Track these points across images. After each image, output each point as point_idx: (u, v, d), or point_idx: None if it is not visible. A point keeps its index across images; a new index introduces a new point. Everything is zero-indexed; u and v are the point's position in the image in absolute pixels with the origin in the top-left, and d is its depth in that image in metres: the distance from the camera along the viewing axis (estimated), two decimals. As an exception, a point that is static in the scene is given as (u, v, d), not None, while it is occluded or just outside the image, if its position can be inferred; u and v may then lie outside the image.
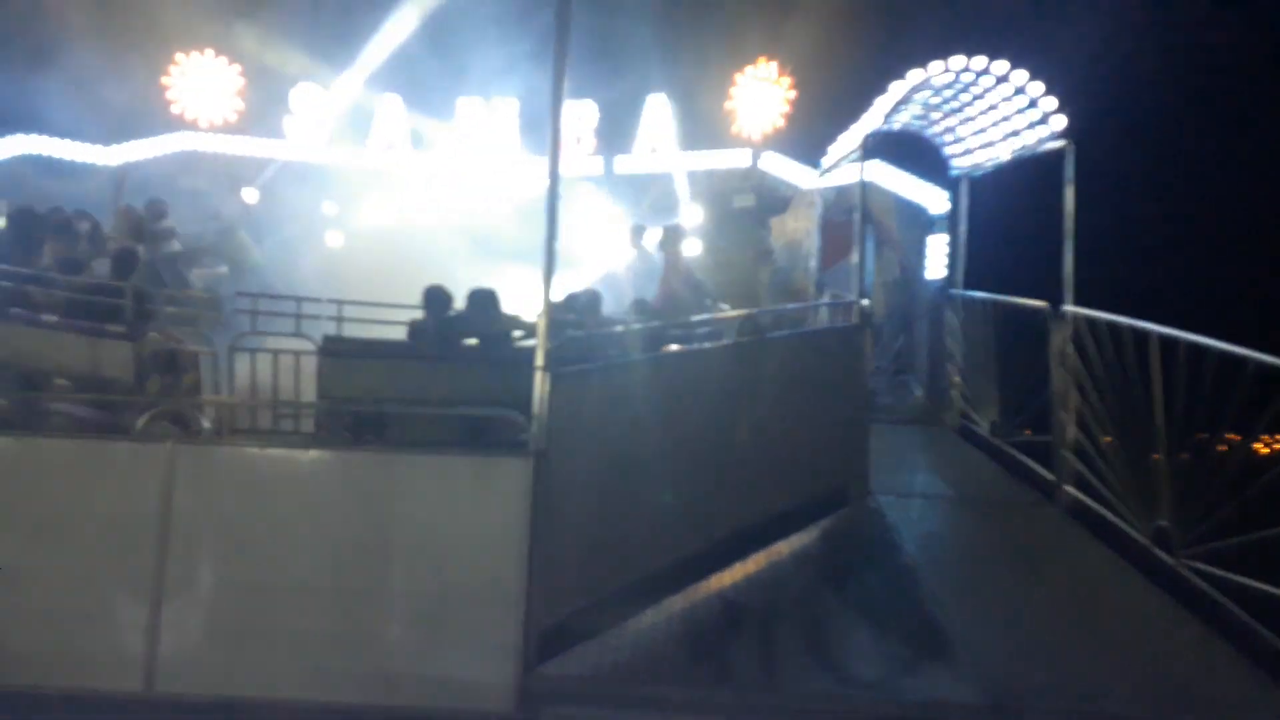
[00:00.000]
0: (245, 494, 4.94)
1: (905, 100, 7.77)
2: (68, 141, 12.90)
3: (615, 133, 13.04)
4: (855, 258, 7.76)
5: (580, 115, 12.76)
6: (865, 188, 7.84)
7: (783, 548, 6.36)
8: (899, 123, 8.55)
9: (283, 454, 5.14)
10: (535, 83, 12.10)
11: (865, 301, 7.40)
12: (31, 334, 7.72)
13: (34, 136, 12.60)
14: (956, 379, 9.78)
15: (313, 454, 5.14)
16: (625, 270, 10.92)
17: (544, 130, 12.45)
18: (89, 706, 4.68)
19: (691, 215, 12.56)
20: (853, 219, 8.15)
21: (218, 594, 4.84)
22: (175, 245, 10.68)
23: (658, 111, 13.11)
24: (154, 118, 13.68)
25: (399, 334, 8.02)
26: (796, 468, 6.59)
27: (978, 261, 9.77)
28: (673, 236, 9.67)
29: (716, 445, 6.04)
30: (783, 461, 6.46)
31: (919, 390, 10.72)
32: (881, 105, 7.67)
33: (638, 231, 11.25)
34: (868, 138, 7.87)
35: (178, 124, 13.77)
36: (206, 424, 5.42)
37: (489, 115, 13.70)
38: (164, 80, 13.78)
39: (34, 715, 4.64)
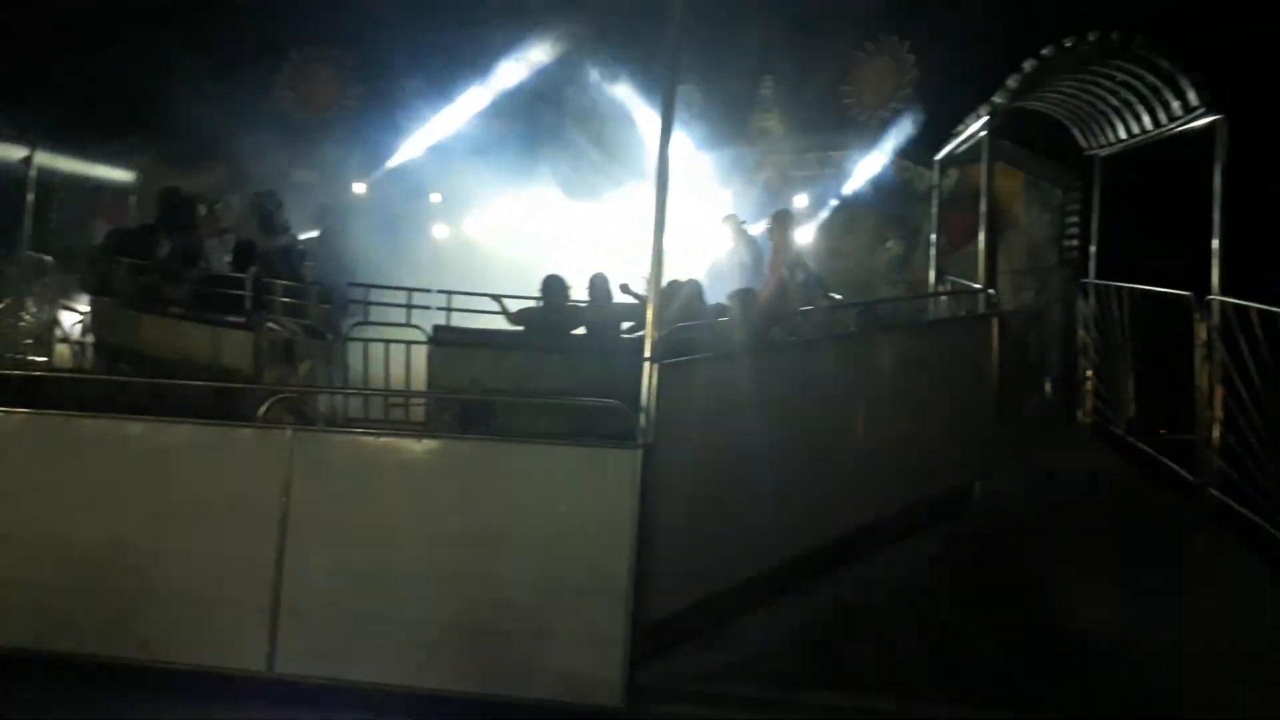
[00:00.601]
0: (359, 481, 4.98)
1: (1036, 77, 7.33)
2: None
3: (724, 118, 12.80)
4: (980, 244, 7.36)
5: (688, 101, 12.58)
6: (991, 170, 7.43)
7: (902, 549, 6.10)
8: (1028, 101, 8.09)
9: (396, 442, 5.16)
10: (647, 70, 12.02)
11: (993, 291, 7.02)
12: (160, 324, 8.07)
13: (161, 140, 13.19)
14: (1090, 373, 9.23)
15: (425, 443, 5.15)
16: (730, 259, 10.70)
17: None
18: (215, 684, 4.80)
19: (802, 201, 12.23)
20: (977, 203, 7.73)
21: (333, 579, 4.90)
22: (289, 237, 11.01)
23: (769, 96, 12.81)
24: (268, 114, 14.13)
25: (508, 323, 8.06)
26: (917, 466, 6.31)
27: (1113, 247, 9.18)
28: (780, 222, 9.40)
29: (831, 441, 5.83)
30: (902, 459, 6.18)
31: (1049, 385, 10.19)
32: (1010, 83, 7.25)
33: (734, 219, 11.01)
34: (993, 117, 7.45)
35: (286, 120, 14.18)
36: (323, 411, 5.49)
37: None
38: (275, 76, 14.21)
39: (166, 692, 4.78)
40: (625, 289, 8.15)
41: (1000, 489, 7.00)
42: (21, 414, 5.36)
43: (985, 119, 7.49)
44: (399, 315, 9.00)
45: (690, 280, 7.98)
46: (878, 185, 12.11)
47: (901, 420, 6.20)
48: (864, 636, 5.13)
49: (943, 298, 8.60)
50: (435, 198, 13.53)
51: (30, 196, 10.20)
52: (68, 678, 4.84)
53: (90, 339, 8.79)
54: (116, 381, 7.29)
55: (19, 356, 9.64)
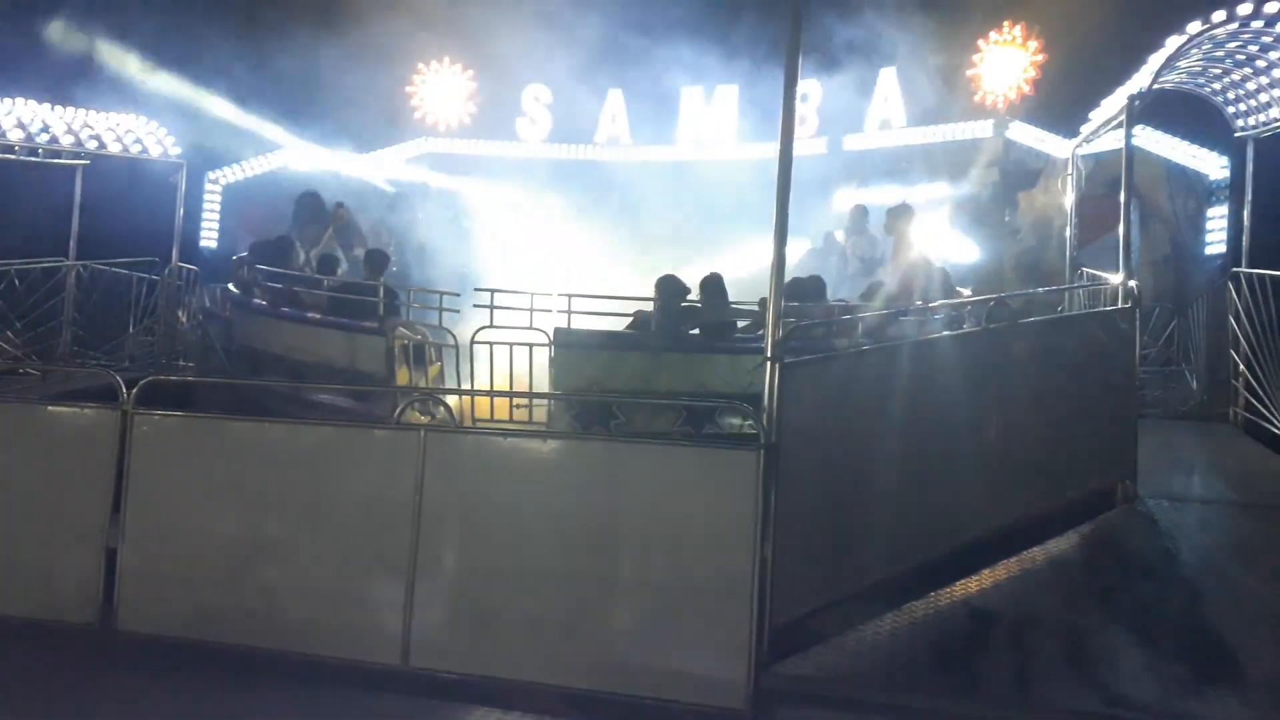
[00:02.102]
0: (487, 480, 5.11)
1: (1181, 56, 6.90)
2: (326, 150, 14.09)
3: (842, 110, 12.55)
4: (1119, 234, 6.98)
5: (804, 94, 12.39)
6: (1131, 155, 7.03)
7: (1038, 554, 5.81)
8: (1172, 82, 7.62)
9: (522, 442, 5.27)
10: (758, 67, 11.90)
11: (1133, 283, 6.64)
12: (299, 330, 8.47)
13: (300, 149, 13.84)
14: (1241, 369, 8.63)
15: (550, 443, 5.25)
16: (848, 254, 10.49)
17: (765, 115, 12.22)
18: (354, 676, 5.00)
19: (924, 193, 11.87)
20: (1114, 191, 7.34)
21: (464, 576, 5.04)
22: (357, 251, 11.39)
23: (889, 86, 12.49)
24: (401, 125, 14.65)
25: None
26: (1053, 467, 6.02)
27: (1267, 235, 8.55)
28: (902, 216, 9.15)
29: (962, 441, 5.63)
30: (1038, 460, 5.92)
31: (1194, 381, 9.57)
32: (1153, 63, 6.85)
33: (861, 213, 10.78)
34: (1134, 99, 7.06)
35: (420, 129, 14.66)
36: (453, 413, 5.65)
37: (709, 104, 13.61)
38: (408, 89, 14.71)
39: (309, 681, 5.02)
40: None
41: (1143, 491, 6.61)
42: (176, 417, 5.71)
43: (1125, 102, 7.10)
44: (522, 318, 9.18)
45: (813, 276, 7.87)
46: (1006, 174, 11.64)
47: (1036, 419, 5.94)
48: (998, 645, 4.93)
49: (1079, 290, 8.20)
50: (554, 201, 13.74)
51: (180, 210, 10.85)
52: (216, 666, 5.12)
53: (235, 344, 9.29)
54: (260, 385, 7.70)
55: (173, 362, 10.30)
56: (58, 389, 8.54)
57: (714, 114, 13.57)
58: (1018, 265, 10.37)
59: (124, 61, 11.83)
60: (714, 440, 5.05)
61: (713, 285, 7.95)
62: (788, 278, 6.64)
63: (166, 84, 12.00)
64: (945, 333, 6.77)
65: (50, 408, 6.11)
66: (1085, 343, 6.52)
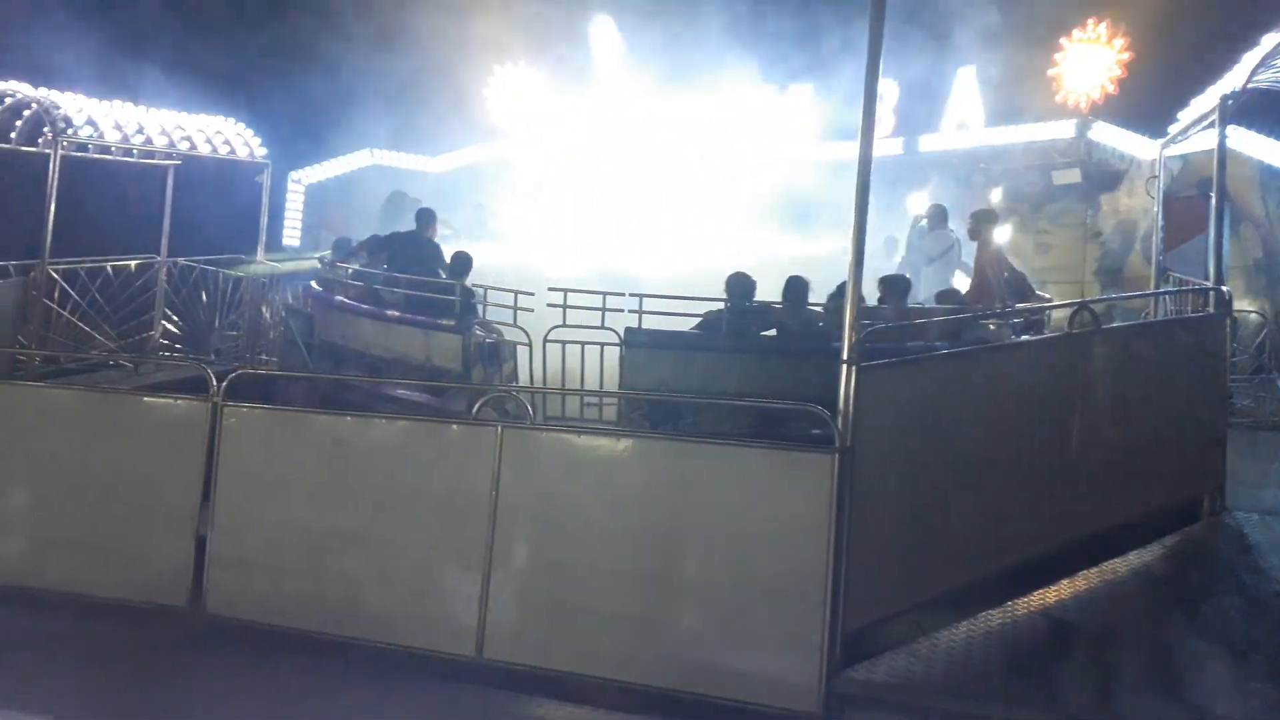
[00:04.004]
0: (562, 477, 5.17)
1: (1278, 54, 6.65)
2: (403, 154, 14.42)
3: (919, 110, 12.37)
4: (1209, 237, 6.76)
5: (880, 94, 12.22)
6: (1224, 156, 6.80)
7: (1120, 566, 5.69)
8: (1267, 80, 7.34)
9: (596, 440, 5.32)
10: (834, 66, 11.80)
11: (1224, 288, 6.43)
12: (378, 327, 8.68)
13: (377, 151, 14.19)
14: (1338, 378, 8.30)
15: (623, 441, 5.29)
16: (924, 256, 10.32)
17: (841, 115, 12.09)
18: (430, 666, 5.11)
19: (1005, 195, 11.64)
20: (1203, 193, 7.11)
21: (538, 570, 5.11)
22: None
23: (967, 85, 12.26)
24: (473, 127, 14.89)
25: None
26: (1138, 477, 5.87)
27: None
28: (983, 221, 8.98)
29: (1042, 449, 5.52)
30: (1121, 469, 5.77)
31: (1288, 389, 9.22)
32: (1248, 61, 6.62)
33: (939, 215, 10.59)
34: (1227, 99, 6.83)
35: (493, 132, 14.88)
36: (527, 409, 5.73)
37: (784, 103, 13.53)
38: (484, 91, 14.93)
39: (386, 670, 5.14)
40: None
41: (1232, 503, 6.40)
42: (263, 409, 5.89)
43: (1217, 101, 6.88)
44: (594, 318, 9.25)
45: (900, 275, 7.75)
46: (1088, 176, 11.35)
47: (1119, 428, 5.79)
48: (1078, 656, 4.83)
49: (1165, 296, 7.96)
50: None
51: (265, 209, 11.20)
52: (297, 651, 5.28)
53: (316, 340, 9.56)
54: (340, 380, 7.91)
55: (256, 357, 10.64)
56: (150, 381, 8.88)
57: (788, 112, 13.50)
58: (1100, 269, 10.11)
59: (215, 66, 12.25)
60: (788, 442, 5.00)
61: (796, 288, 7.89)
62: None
63: (253, 87, 12.39)
64: (1025, 338, 6.65)
65: (145, 399, 6.37)
66: (1172, 350, 6.34)
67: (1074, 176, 11.40)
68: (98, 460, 5.95)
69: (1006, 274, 8.23)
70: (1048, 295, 8.51)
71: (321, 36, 14.00)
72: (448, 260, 9.12)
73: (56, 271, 9.94)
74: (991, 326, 7.05)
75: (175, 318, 11.14)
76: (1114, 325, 6.46)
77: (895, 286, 7.49)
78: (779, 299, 7.76)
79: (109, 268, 10.55)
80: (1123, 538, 5.79)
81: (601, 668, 4.87)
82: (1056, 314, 7.05)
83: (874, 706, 4.56)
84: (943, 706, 4.51)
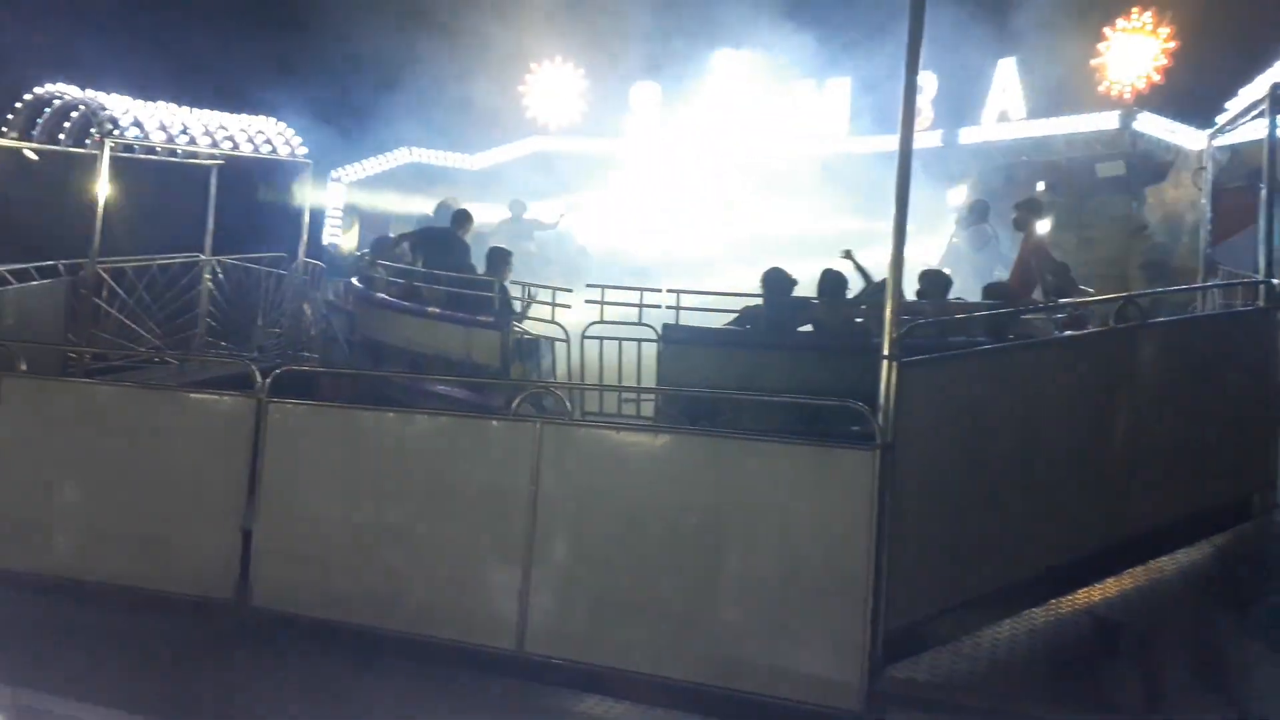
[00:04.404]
0: (602, 472, 5.20)
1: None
2: (441, 151, 14.50)
3: (958, 102, 12.20)
4: (1259, 229, 6.62)
5: (919, 86, 12.06)
6: (1275, 146, 6.65)
7: (1167, 564, 5.59)
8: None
9: (635, 436, 5.35)
10: (871, 60, 11.68)
11: (1275, 281, 6.29)
12: (420, 323, 8.77)
13: (415, 149, 14.29)
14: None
15: (661, 437, 5.30)
16: (963, 250, 10.21)
17: (877, 109, 11.96)
18: (470, 659, 5.16)
19: (1047, 188, 11.45)
20: (1253, 184, 6.96)
21: (578, 565, 5.14)
22: (532, 246, 11.63)
23: (1007, 77, 12.07)
24: (511, 124, 14.93)
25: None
26: (1185, 475, 5.77)
27: None
28: (1029, 213, 8.86)
29: (1087, 446, 5.45)
30: (1168, 467, 5.68)
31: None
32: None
33: (980, 208, 10.46)
34: (1277, 88, 6.67)
35: (530, 128, 14.91)
36: (566, 405, 5.76)
37: (821, 97, 13.42)
38: (520, 88, 14.97)
39: (427, 663, 5.20)
40: (848, 255, 7.95)
41: (1283, 502, 6.28)
42: (306, 405, 5.98)
43: (1267, 90, 6.72)
44: (631, 314, 9.27)
45: (939, 270, 7.69)
46: (1133, 168, 11.13)
47: (1166, 424, 5.70)
48: (1125, 657, 4.78)
49: (1214, 290, 7.80)
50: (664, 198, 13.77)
51: (306, 207, 11.35)
52: (341, 644, 5.36)
53: (357, 336, 9.67)
54: (380, 376, 8.00)
55: (299, 353, 10.78)
56: (195, 377, 9.04)
57: (826, 106, 13.39)
58: (1145, 263, 9.91)
59: (254, 65, 12.42)
60: (828, 439, 4.98)
61: (831, 283, 7.85)
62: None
63: (294, 87, 12.56)
64: (1069, 333, 6.56)
65: (192, 395, 6.50)
66: (1221, 345, 6.23)
67: (1118, 169, 11.17)
68: (146, 455, 6.07)
69: (1050, 266, 8.13)
70: (1091, 290, 8.37)
71: (358, 34, 14.16)
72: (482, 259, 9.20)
73: (104, 270, 10.15)
74: (1035, 321, 6.96)
75: (219, 315, 11.32)
76: (1160, 320, 6.33)
77: (935, 282, 7.43)
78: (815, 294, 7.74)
79: (155, 266, 10.75)
80: (1170, 536, 5.69)
81: (641, 663, 4.89)
82: (1101, 309, 6.92)
83: (916, 706, 4.53)
84: (985, 706, 4.48)
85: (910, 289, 7.18)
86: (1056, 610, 5.13)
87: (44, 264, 10.16)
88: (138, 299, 10.51)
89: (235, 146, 10.89)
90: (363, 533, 5.56)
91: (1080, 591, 5.29)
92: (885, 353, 4.77)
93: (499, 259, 8.94)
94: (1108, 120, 11.39)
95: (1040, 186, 11.40)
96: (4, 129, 10.53)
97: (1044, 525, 5.22)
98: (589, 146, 14.50)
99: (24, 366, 6.47)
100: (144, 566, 5.88)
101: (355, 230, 13.92)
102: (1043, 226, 8.92)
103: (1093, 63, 11.80)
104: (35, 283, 10.07)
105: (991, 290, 7.53)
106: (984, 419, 5.11)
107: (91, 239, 9.72)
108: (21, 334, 8.03)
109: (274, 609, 5.61)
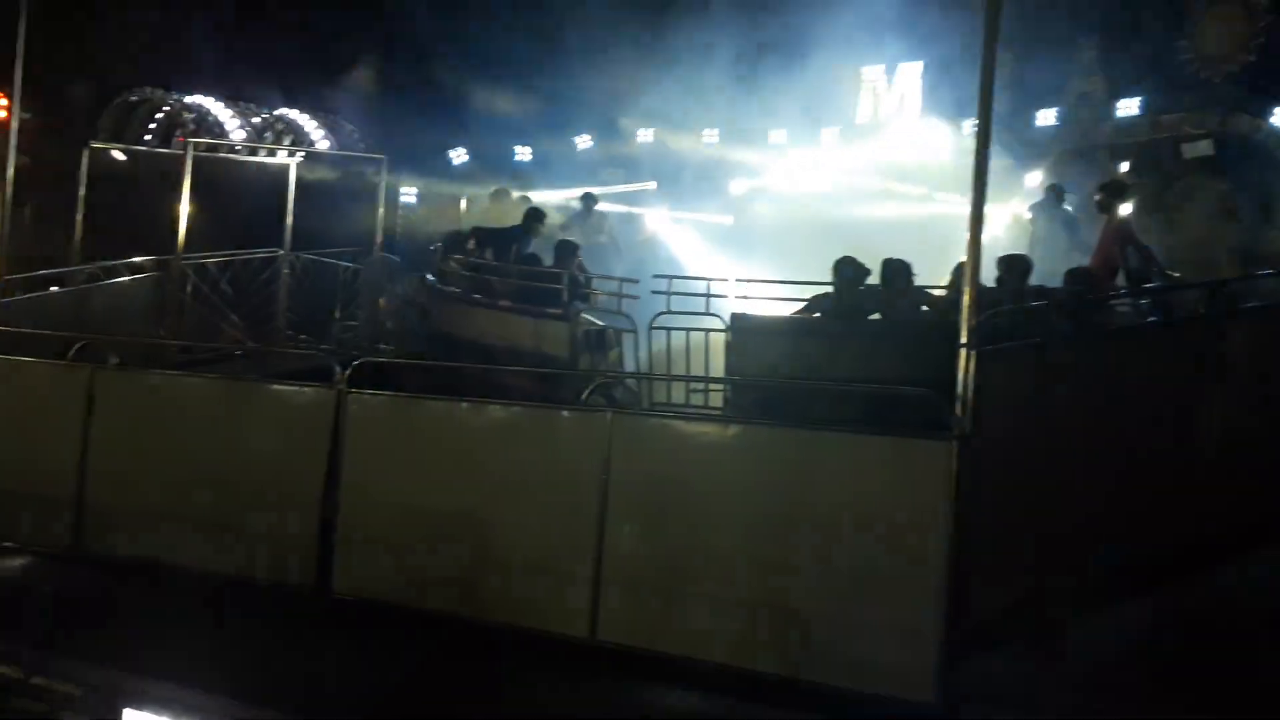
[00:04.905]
0: (672, 462, 5.19)
1: None
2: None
3: (1040, 83, 11.85)
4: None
5: (999, 65, 11.72)
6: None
7: (1259, 560, 5.38)
8: None
9: (705, 426, 5.34)
10: (943, 44, 11.42)
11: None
12: (489, 316, 8.90)
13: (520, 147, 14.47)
14: None
15: (731, 428, 5.28)
16: (1040, 234, 9.95)
17: (948, 94, 11.70)
18: (544, 645, 5.21)
19: (1130, 170, 11.08)
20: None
21: (649, 553, 5.14)
22: (603, 238, 11.68)
23: (1085, 56, 11.70)
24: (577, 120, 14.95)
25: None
26: (1278, 469, 5.54)
27: None
28: (1113, 194, 8.57)
29: (1173, 438, 5.29)
30: (1265, 460, 5.46)
31: None
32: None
33: (1056, 191, 10.19)
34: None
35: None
36: (636, 396, 5.79)
37: (891, 83, 13.18)
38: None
39: (503, 649, 5.26)
40: None
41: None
42: (383, 396, 6.10)
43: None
44: (699, 304, 9.26)
45: (1021, 255, 7.48)
46: (1224, 150, 10.69)
47: (1262, 416, 5.49)
48: (1214, 653, 4.61)
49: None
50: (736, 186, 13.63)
51: (381, 203, 11.60)
52: (418, 631, 5.46)
53: (430, 329, 9.85)
54: (454, 367, 8.12)
55: (374, 346, 11.03)
56: (276, 369, 9.31)
57: (896, 93, 13.15)
58: (1236, 248, 9.52)
59: (337, 67, 12.71)
60: (904, 429, 4.89)
61: (896, 270, 7.72)
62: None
63: (370, 88, 12.82)
64: (1154, 319, 6.35)
65: (274, 386, 6.68)
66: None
67: (1206, 149, 10.74)
68: (229, 444, 6.25)
69: (1135, 252, 7.86)
70: (1177, 275, 8.08)
71: (429, 37, 14.36)
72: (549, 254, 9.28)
73: (188, 266, 10.51)
74: (1119, 307, 6.75)
75: (297, 309, 11.65)
76: (1251, 305, 6.08)
77: (1015, 266, 7.22)
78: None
79: (236, 261, 11.10)
80: (1265, 532, 5.47)
81: (713, 652, 4.88)
82: (1189, 295, 6.69)
83: (993, 701, 4.45)
84: (1063, 701, 4.38)
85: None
86: (1143, 605, 4.99)
87: (133, 260, 10.58)
88: (220, 293, 10.87)
89: (312, 144, 11.18)
90: (438, 521, 5.64)
91: (1168, 587, 5.13)
92: (963, 341, 4.68)
93: (567, 251, 9.01)
94: (1196, 100, 10.96)
95: (1124, 168, 11.03)
96: (96, 132, 10.98)
97: (1128, 519, 5.08)
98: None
99: (115, 360, 6.72)
100: (228, 553, 6.06)
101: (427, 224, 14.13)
102: (1125, 209, 8.63)
103: (1180, 42, 11.36)
104: (125, 279, 10.48)
105: (1073, 276, 7.31)
106: (1065, 409, 4.99)
107: (177, 236, 10.08)
108: (113, 328, 8.37)
109: (353, 595, 5.74)
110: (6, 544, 6.51)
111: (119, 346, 6.89)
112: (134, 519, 6.33)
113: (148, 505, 6.34)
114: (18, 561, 6.40)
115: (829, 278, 7.77)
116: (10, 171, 8.02)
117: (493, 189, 12.16)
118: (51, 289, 10.33)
